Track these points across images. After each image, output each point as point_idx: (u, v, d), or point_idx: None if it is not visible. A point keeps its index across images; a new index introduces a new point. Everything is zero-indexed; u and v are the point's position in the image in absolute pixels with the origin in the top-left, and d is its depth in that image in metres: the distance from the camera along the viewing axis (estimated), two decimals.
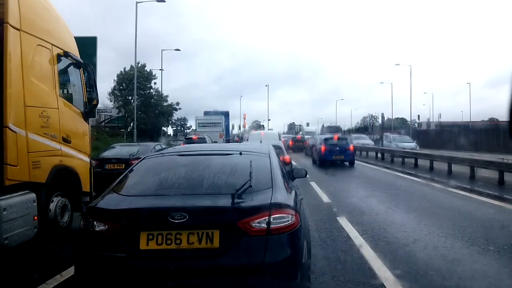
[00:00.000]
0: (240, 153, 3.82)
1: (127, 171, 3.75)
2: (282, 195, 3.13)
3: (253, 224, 2.81)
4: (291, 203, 3.14)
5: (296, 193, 3.63)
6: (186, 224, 2.78)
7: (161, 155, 4.29)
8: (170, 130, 68.74)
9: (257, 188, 3.09)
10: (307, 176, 5.73)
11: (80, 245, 3.02)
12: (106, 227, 2.88)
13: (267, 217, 2.83)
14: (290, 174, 4.91)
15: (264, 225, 2.81)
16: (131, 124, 35.21)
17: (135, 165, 3.89)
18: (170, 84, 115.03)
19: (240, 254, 2.79)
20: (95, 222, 2.91)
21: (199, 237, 2.80)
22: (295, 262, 2.92)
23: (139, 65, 38.98)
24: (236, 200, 2.95)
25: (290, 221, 2.89)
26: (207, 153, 4.21)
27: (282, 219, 2.87)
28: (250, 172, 3.14)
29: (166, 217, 2.79)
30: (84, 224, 3.00)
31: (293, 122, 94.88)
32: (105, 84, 42.37)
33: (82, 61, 6.32)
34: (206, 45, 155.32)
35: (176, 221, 2.77)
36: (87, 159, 6.46)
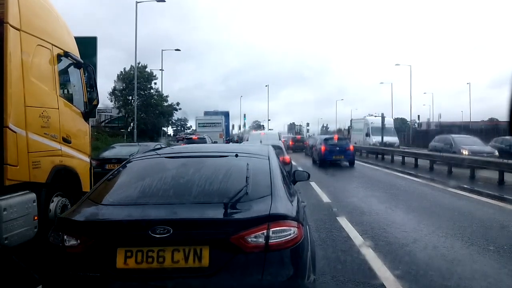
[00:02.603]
0: (236, 155, 3.41)
1: (108, 175, 3.38)
2: (282, 204, 2.75)
3: (249, 239, 2.44)
4: (293, 213, 2.74)
5: (298, 200, 3.28)
6: (170, 239, 2.40)
7: (148, 157, 3.87)
8: (170, 130, 68.85)
9: (254, 195, 2.73)
10: None
11: (48, 263, 2.64)
12: (78, 242, 2.51)
13: (266, 230, 2.45)
14: (292, 177, 4.68)
15: (261, 240, 2.44)
16: (131, 124, 35.23)
17: (117, 169, 3.51)
18: (176, 84, 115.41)
19: (233, 275, 2.43)
20: (65, 236, 2.54)
21: (186, 254, 2.42)
22: (298, 283, 2.55)
23: (140, 65, 39.01)
24: (229, 211, 2.61)
25: (292, 235, 2.51)
26: (198, 155, 3.78)
27: (283, 233, 2.50)
28: (247, 177, 2.81)
29: (146, 231, 2.41)
30: (53, 238, 2.62)
31: (293, 122, 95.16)
32: (111, 84, 42.48)
33: (82, 61, 6.32)
34: (213, 46, 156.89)
35: (158, 236, 2.40)
36: (87, 159, 6.46)
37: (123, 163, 3.69)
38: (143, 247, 2.44)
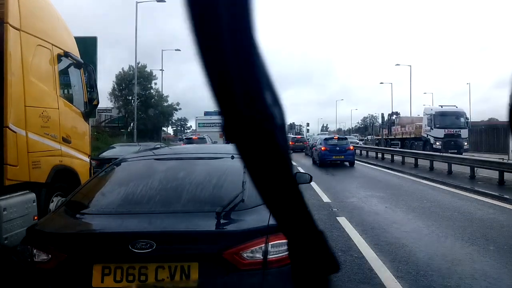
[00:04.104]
0: (232, 157, 3.08)
1: (89, 180, 3.15)
2: None
3: (245, 255, 2.14)
4: None
5: None
6: (153, 255, 2.11)
7: (136, 158, 3.53)
8: (170, 130, 69.06)
9: (251, 203, 2.39)
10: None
11: (16, 281, 2.42)
12: (49, 257, 2.21)
13: (264, 244, 2.16)
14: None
15: (259, 256, 2.16)
16: (131, 124, 35.26)
17: (100, 172, 3.26)
18: (181, 84, 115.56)
19: None
20: (34, 251, 2.25)
21: (171, 272, 2.12)
22: None
23: (139, 65, 39.08)
24: (222, 221, 2.28)
25: None
26: (190, 157, 3.47)
27: (283, 247, 2.13)
28: (243, 182, 2.48)
29: (126, 246, 2.11)
30: (21, 252, 2.34)
31: (293, 122, 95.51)
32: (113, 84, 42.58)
33: (82, 61, 6.33)
34: None
35: (140, 251, 2.11)
36: (87, 159, 6.47)
37: (108, 165, 3.45)
38: (122, 264, 2.15)
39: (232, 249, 2.14)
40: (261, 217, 2.29)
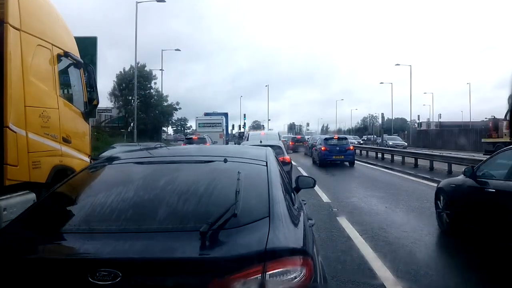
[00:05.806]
0: (225, 160, 2.64)
1: (54, 188, 2.68)
2: (285, 231, 1.95)
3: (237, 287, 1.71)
4: (299, 243, 1.95)
5: (305, 219, 2.49)
6: (118, 287, 1.67)
7: (114, 162, 2.98)
8: (170, 130, 69.20)
9: (245, 218, 1.95)
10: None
11: None
12: None
13: (260, 274, 1.70)
14: (295, 184, 3.93)
15: None
16: (131, 124, 35.29)
17: (70, 178, 2.82)
18: (183, 84, 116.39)
19: None
20: None
21: None
22: None
23: (139, 64, 39.13)
24: (207, 244, 1.79)
25: (298, 278, 1.74)
26: (177, 161, 2.93)
27: (285, 276, 1.73)
28: (237, 191, 2.03)
29: (85, 276, 1.69)
30: None
31: (293, 123, 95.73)
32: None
33: (82, 61, 6.33)
34: (221, 47, 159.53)
35: (101, 282, 1.67)
36: (87, 159, 6.46)
37: (80, 170, 3.04)
38: None
39: (220, 281, 1.70)
40: (258, 237, 1.84)
